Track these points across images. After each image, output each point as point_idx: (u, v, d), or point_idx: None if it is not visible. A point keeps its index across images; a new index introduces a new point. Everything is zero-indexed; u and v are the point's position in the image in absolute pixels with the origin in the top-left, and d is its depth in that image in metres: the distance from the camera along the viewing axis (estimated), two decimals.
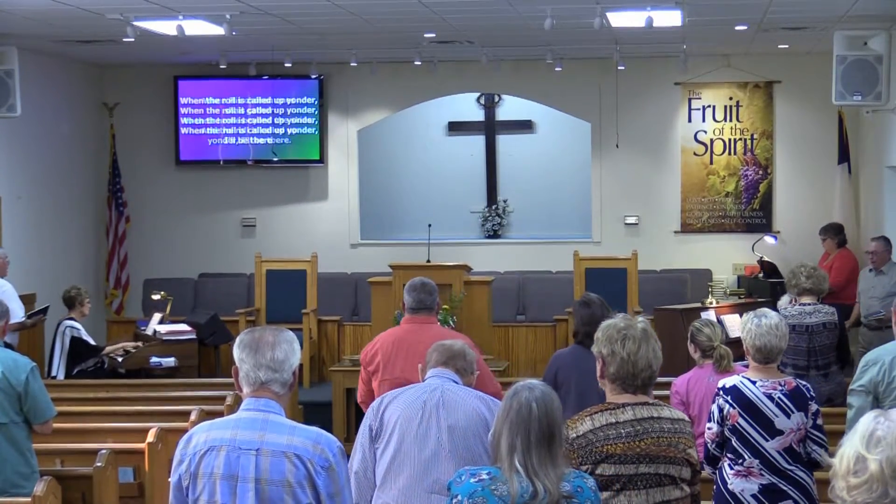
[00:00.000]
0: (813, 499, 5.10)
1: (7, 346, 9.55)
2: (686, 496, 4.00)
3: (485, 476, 3.60)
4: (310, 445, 3.54)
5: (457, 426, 4.41)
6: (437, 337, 5.76)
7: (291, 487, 3.50)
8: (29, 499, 5.69)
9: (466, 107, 15.11)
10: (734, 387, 5.17)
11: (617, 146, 13.77)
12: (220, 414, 7.60)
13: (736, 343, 8.61)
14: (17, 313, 9.93)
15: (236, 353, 3.67)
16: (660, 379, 7.45)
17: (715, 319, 7.99)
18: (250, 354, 3.63)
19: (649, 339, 4.04)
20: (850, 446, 2.43)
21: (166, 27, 10.21)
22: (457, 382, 4.59)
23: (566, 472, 3.61)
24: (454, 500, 3.61)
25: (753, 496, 5.07)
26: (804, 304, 7.66)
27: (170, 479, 3.71)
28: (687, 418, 4.13)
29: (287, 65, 13.09)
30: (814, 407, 5.14)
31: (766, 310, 5.42)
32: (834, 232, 12.15)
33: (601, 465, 3.85)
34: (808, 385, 5.25)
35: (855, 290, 11.35)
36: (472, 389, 4.62)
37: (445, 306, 9.34)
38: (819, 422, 5.15)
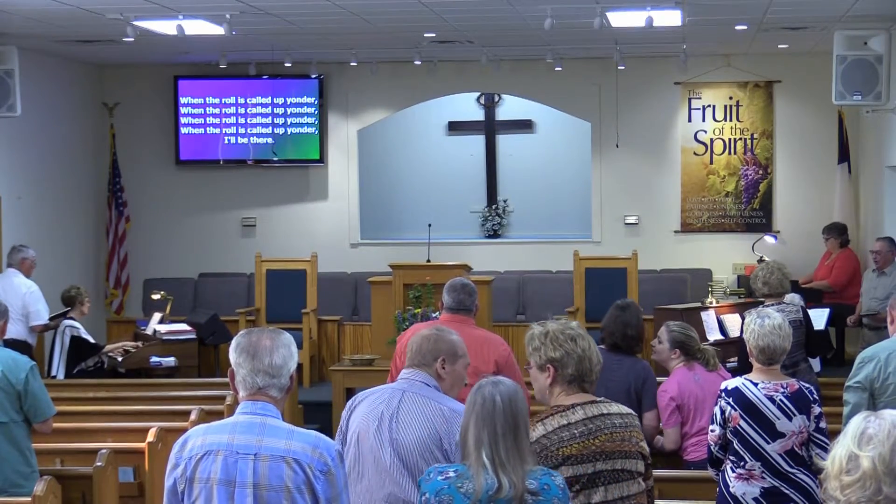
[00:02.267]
0: (816, 502, 5.07)
1: (25, 345, 9.71)
2: (643, 491, 4.02)
3: (451, 474, 3.64)
4: (308, 450, 3.50)
5: (403, 442, 4.31)
6: (475, 337, 5.74)
7: (290, 493, 3.47)
8: (29, 498, 5.70)
9: (466, 107, 15.11)
10: (736, 388, 5.16)
11: (617, 146, 13.77)
12: (220, 413, 7.62)
13: (736, 343, 8.65)
14: (42, 314, 9.99)
15: (233, 356, 3.61)
16: (660, 378, 7.49)
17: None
18: (247, 359, 3.57)
19: (588, 336, 4.14)
20: (842, 446, 2.45)
21: (166, 27, 10.22)
22: (428, 384, 4.46)
23: (533, 468, 3.64)
24: (423, 498, 3.65)
25: (755, 499, 5.06)
26: (768, 306, 7.54)
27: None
28: (633, 412, 4.17)
29: (287, 65, 13.10)
30: (816, 410, 5.13)
31: (768, 310, 5.40)
32: (837, 232, 12.18)
33: (559, 468, 3.83)
34: (812, 388, 5.23)
35: (856, 290, 11.37)
36: (437, 397, 4.43)
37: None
38: (822, 425, 5.13)
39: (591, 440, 3.91)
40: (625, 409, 4.10)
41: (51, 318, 10.17)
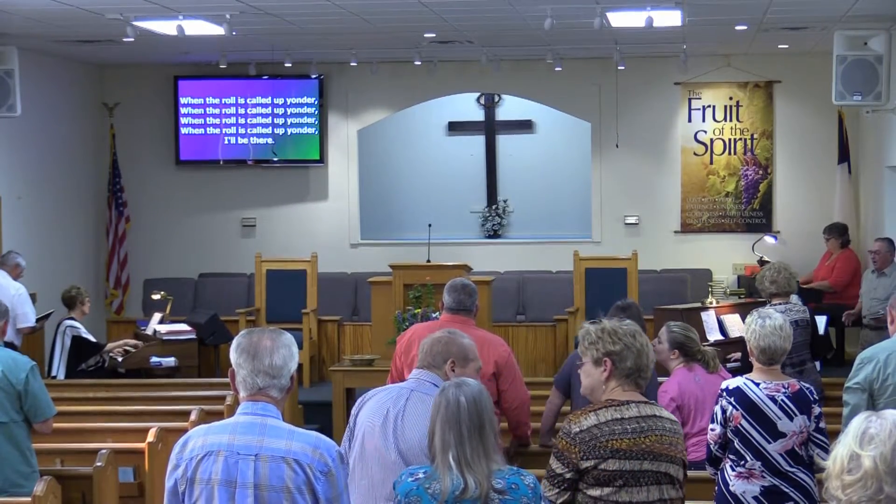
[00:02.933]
0: (814, 500, 5.10)
1: (11, 346, 9.71)
2: (679, 498, 4.02)
3: (421, 475, 3.72)
4: (309, 450, 3.50)
5: (407, 440, 4.34)
6: (475, 338, 5.70)
7: (291, 493, 3.47)
8: (29, 498, 5.70)
9: (466, 107, 15.11)
10: (737, 388, 5.16)
11: (617, 146, 13.77)
12: (220, 413, 7.62)
13: (736, 343, 8.65)
14: (30, 317, 10.02)
15: (233, 357, 3.61)
16: (660, 378, 7.52)
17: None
18: (248, 360, 3.57)
19: (645, 335, 4.15)
20: (844, 446, 2.45)
21: (166, 27, 10.22)
22: (436, 386, 4.42)
23: (501, 468, 3.69)
24: (396, 500, 3.74)
25: (755, 498, 5.07)
26: (775, 305, 7.54)
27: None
28: (677, 420, 4.18)
29: (287, 65, 13.10)
30: (816, 410, 5.13)
31: (770, 311, 5.39)
32: (838, 232, 12.18)
33: (607, 460, 3.86)
34: (812, 388, 5.24)
35: (857, 290, 11.36)
36: None
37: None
38: (822, 425, 5.15)
39: (642, 438, 3.91)
40: (673, 416, 4.12)
41: (37, 320, 10.19)
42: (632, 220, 13.90)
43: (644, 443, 3.91)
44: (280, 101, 14.01)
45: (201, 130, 14.11)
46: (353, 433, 4.49)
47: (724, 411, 5.16)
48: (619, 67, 12.97)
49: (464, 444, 3.64)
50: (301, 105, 14.01)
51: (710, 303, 10.60)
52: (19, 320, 9.93)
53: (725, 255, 13.64)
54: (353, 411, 4.58)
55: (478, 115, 15.20)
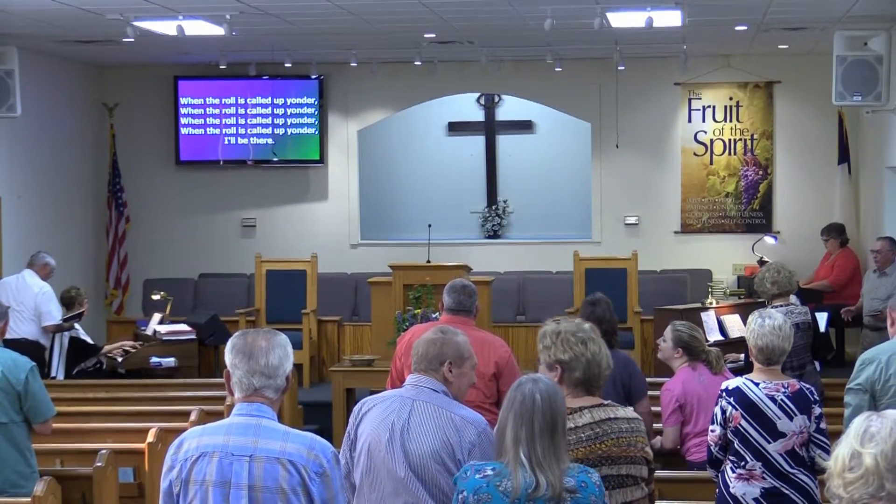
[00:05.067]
0: (816, 503, 5.08)
1: (38, 345, 9.78)
2: (646, 496, 4.01)
3: (489, 472, 3.62)
4: (304, 451, 3.50)
5: (416, 453, 4.25)
6: (475, 338, 5.68)
7: (285, 494, 3.47)
8: (29, 499, 5.71)
9: (466, 107, 15.11)
10: (737, 388, 5.16)
11: (617, 146, 13.77)
12: (219, 414, 7.62)
13: (736, 344, 8.65)
14: (54, 315, 10.06)
15: (228, 358, 3.61)
16: (658, 379, 7.53)
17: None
18: (244, 360, 3.57)
19: (600, 339, 4.12)
20: (845, 445, 2.47)
21: (166, 27, 10.22)
22: (436, 391, 4.38)
23: (570, 466, 3.62)
24: (460, 496, 3.63)
25: (755, 500, 5.06)
26: (776, 307, 7.53)
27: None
28: (639, 416, 4.15)
29: (287, 65, 13.10)
30: (817, 410, 5.12)
31: (770, 310, 5.39)
32: (837, 232, 12.19)
33: None
34: (812, 388, 5.23)
35: (856, 289, 11.38)
36: (447, 405, 4.36)
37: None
38: (822, 425, 5.13)
39: (598, 444, 3.89)
40: (631, 414, 4.09)
41: (64, 320, 10.20)
42: (632, 220, 13.90)
43: (600, 448, 3.89)
44: (280, 101, 14.01)
45: (201, 131, 14.11)
46: (354, 444, 4.42)
47: (723, 412, 5.16)
48: (619, 67, 12.98)
49: (534, 441, 3.56)
50: (301, 105, 14.01)
51: (710, 303, 10.60)
52: (44, 318, 10.02)
53: (725, 256, 13.64)
54: (351, 421, 4.49)
55: (478, 115, 15.20)
